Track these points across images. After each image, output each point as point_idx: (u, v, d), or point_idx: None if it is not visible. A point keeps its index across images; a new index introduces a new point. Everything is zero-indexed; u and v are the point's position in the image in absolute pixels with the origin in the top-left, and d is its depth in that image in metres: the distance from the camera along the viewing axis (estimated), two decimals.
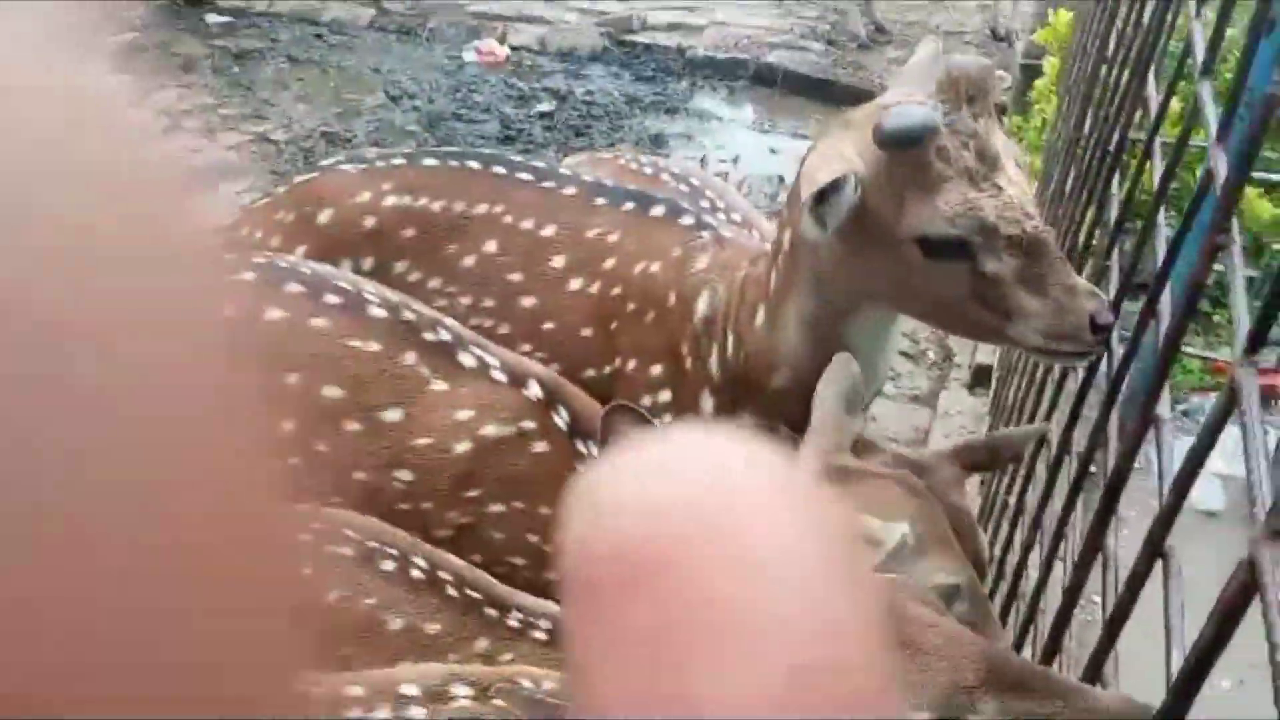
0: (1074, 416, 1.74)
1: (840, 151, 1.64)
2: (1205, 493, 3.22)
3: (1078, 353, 1.65)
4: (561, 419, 1.80)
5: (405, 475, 1.75)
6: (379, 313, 1.79)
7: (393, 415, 1.75)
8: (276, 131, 5.45)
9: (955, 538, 1.42)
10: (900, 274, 1.66)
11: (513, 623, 1.57)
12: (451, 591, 1.57)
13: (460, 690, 1.28)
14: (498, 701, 1.27)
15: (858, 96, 5.87)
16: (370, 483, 1.74)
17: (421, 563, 1.60)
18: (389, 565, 1.58)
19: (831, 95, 5.98)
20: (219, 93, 5.81)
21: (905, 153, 1.57)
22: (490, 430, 1.76)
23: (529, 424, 1.78)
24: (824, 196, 1.58)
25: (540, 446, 1.77)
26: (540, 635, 1.56)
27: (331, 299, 1.79)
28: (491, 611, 1.57)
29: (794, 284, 1.80)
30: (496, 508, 1.78)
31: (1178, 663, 0.89)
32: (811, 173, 1.61)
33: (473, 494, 1.77)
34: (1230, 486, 3.18)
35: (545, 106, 5.76)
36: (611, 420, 1.29)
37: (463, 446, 1.75)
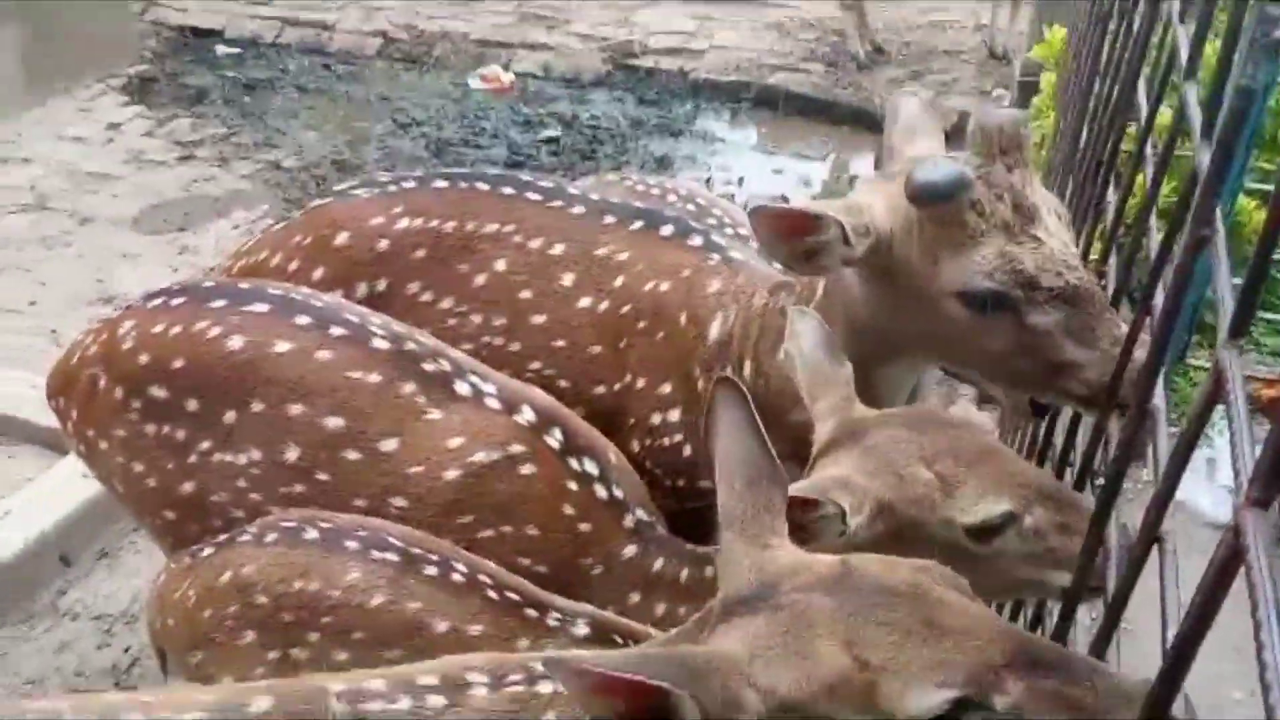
0: (1076, 419, 1.79)
1: (865, 204, 1.61)
2: (1217, 504, 3.23)
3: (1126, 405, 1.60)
4: (555, 439, 1.84)
5: (400, 502, 1.81)
6: (382, 345, 1.86)
7: (389, 445, 1.81)
8: (287, 159, 5.53)
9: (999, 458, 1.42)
10: (942, 328, 1.63)
11: (552, 622, 1.63)
12: (492, 594, 1.63)
13: (477, 678, 1.33)
14: (512, 689, 1.32)
15: (859, 116, 5.97)
16: (368, 509, 1.80)
17: (462, 567, 1.66)
18: (432, 570, 1.64)
19: (833, 115, 6.07)
20: (231, 122, 5.91)
21: (938, 208, 1.54)
22: (479, 456, 1.81)
23: (517, 448, 1.82)
24: (769, 220, 1.55)
25: (528, 469, 1.81)
26: (580, 632, 1.62)
27: (337, 331, 1.86)
28: (531, 612, 1.63)
29: (825, 317, 1.74)
30: (486, 533, 1.82)
31: (1174, 639, 0.93)
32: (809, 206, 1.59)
33: (464, 520, 1.81)
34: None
35: (551, 132, 5.84)
36: (717, 392, 1.26)
37: (452, 474, 1.80)
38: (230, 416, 1.83)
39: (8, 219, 4.93)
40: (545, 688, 1.33)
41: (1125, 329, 1.54)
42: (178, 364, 1.86)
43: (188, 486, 1.87)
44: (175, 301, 1.94)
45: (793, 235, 1.57)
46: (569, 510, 1.81)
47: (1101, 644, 1.17)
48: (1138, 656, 1.28)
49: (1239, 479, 0.78)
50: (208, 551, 1.76)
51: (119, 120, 5.89)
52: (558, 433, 1.85)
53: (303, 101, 6.18)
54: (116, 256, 4.66)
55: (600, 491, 1.83)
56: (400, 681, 1.32)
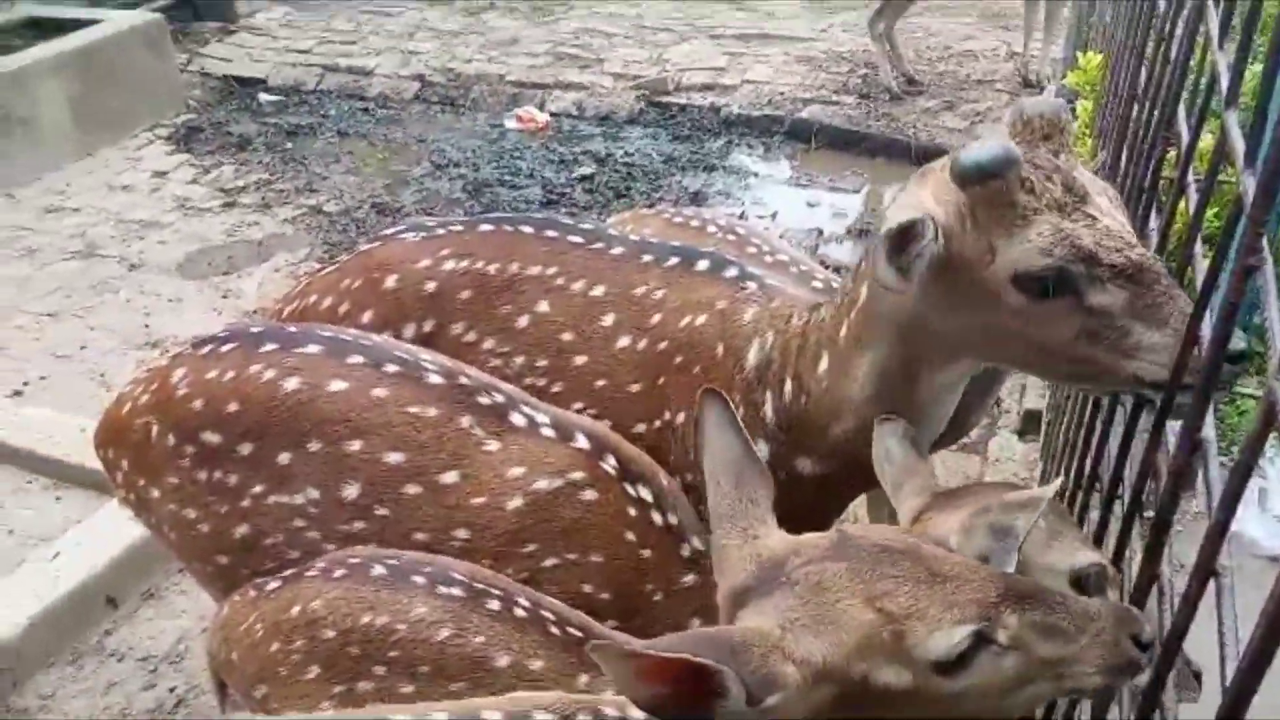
0: (1124, 452, 1.75)
1: (917, 200, 1.59)
2: (1270, 535, 3.15)
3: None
4: (610, 465, 1.86)
5: (462, 534, 1.82)
6: (436, 379, 1.88)
7: (449, 477, 1.82)
8: (329, 203, 5.63)
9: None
10: (1000, 321, 1.57)
11: None
12: (554, 629, 1.65)
13: (541, 717, 1.32)
14: None
15: (892, 147, 5.97)
16: (430, 543, 1.81)
17: (525, 602, 1.68)
18: (495, 605, 1.66)
19: (866, 147, 6.07)
20: (273, 168, 6.03)
21: (987, 187, 1.49)
22: (541, 484, 1.82)
23: (577, 474, 1.83)
24: (901, 242, 1.52)
25: (589, 495, 1.82)
26: None
27: (391, 369, 1.88)
28: None
29: (870, 336, 1.77)
30: (551, 561, 1.83)
31: (1232, 674, 0.91)
32: (888, 222, 1.55)
33: (528, 549, 1.82)
34: None
35: (586, 170, 5.90)
36: (703, 403, 1.31)
37: (515, 503, 1.81)
38: (285, 458, 1.84)
39: (59, 266, 5.06)
40: None
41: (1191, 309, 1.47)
42: (232, 408, 1.87)
43: (242, 529, 1.89)
44: (226, 348, 1.96)
45: (906, 245, 1.53)
46: (630, 536, 1.82)
47: (1155, 690, 1.14)
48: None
49: None
50: (274, 585, 1.78)
51: (165, 169, 6.04)
52: (612, 459, 1.86)
53: (343, 146, 6.30)
54: (163, 301, 4.76)
55: (656, 518, 1.85)
56: (464, 716, 1.31)
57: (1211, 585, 1.01)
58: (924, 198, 1.59)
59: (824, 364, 1.86)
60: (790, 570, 1.11)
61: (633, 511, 1.83)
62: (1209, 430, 1.15)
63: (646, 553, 1.82)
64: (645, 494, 1.86)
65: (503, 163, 6.03)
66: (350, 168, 6.06)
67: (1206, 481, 1.14)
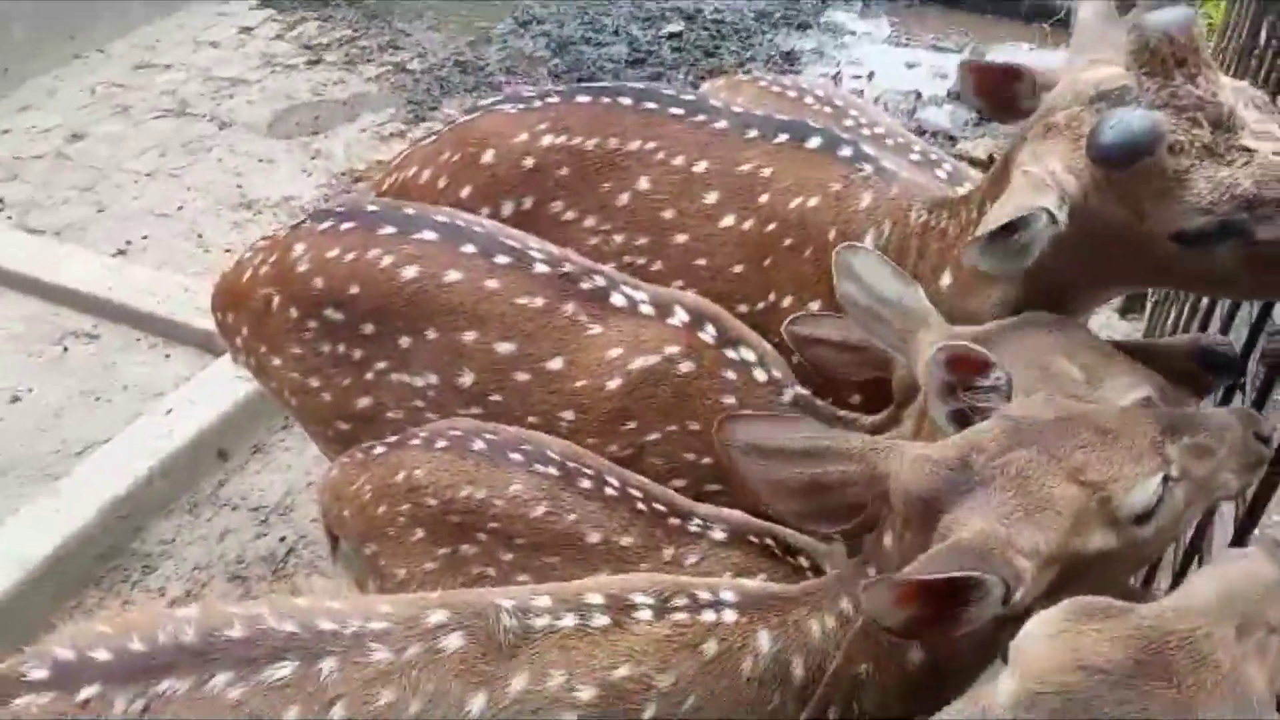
0: (1250, 344, 1.69)
1: (1046, 175, 1.48)
2: None
3: None
4: (708, 334, 1.88)
5: (569, 415, 1.88)
6: (543, 269, 1.91)
7: (555, 363, 1.88)
8: (412, 61, 5.55)
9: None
10: (1157, 265, 1.51)
11: (693, 528, 1.72)
12: (641, 506, 1.73)
13: (642, 600, 1.37)
14: (677, 615, 1.37)
15: (999, 3, 5.62)
16: (540, 425, 1.88)
17: (614, 480, 1.75)
18: (587, 484, 1.74)
19: (970, 3, 5.72)
20: (356, 24, 5.94)
21: (1131, 168, 1.41)
22: (638, 363, 1.86)
23: (673, 349, 1.86)
24: (1007, 233, 1.43)
25: (686, 366, 1.85)
26: (718, 536, 1.71)
27: (502, 259, 1.91)
28: (675, 520, 1.73)
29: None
30: (652, 435, 1.88)
31: None
32: (1005, 204, 1.47)
33: (629, 426, 1.87)
34: None
35: (674, 27, 5.69)
36: (726, 433, 1.39)
37: (614, 383, 1.86)
38: (406, 341, 1.90)
39: (153, 124, 5.12)
40: (708, 615, 1.37)
41: None
42: (353, 290, 1.93)
43: (364, 401, 1.97)
44: (345, 226, 1.99)
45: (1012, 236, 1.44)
46: (729, 400, 1.86)
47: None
48: None
49: None
50: (380, 450, 1.87)
51: (251, 24, 5.99)
52: (710, 328, 1.89)
53: (426, 1, 6.16)
54: (253, 161, 4.80)
55: (760, 375, 1.88)
56: (567, 599, 1.37)
57: None
58: (1053, 166, 1.49)
59: (946, 279, 1.81)
60: (980, 468, 1.14)
61: (731, 375, 1.87)
62: None
63: (748, 411, 1.84)
64: (747, 355, 1.89)
65: (587, 19, 5.85)
66: (433, 24, 5.94)
67: None
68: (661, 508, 1.74)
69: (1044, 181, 1.47)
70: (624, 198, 2.06)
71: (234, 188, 4.62)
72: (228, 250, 3.99)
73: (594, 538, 1.70)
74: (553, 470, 1.74)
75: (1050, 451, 1.13)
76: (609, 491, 1.73)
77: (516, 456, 1.76)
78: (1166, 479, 1.14)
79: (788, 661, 1.36)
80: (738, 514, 1.74)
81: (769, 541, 1.71)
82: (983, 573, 1.01)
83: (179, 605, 1.38)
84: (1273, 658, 0.93)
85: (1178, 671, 0.87)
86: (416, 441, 1.83)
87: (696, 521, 1.73)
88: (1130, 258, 1.53)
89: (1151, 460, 1.14)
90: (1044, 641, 0.91)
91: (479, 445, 1.78)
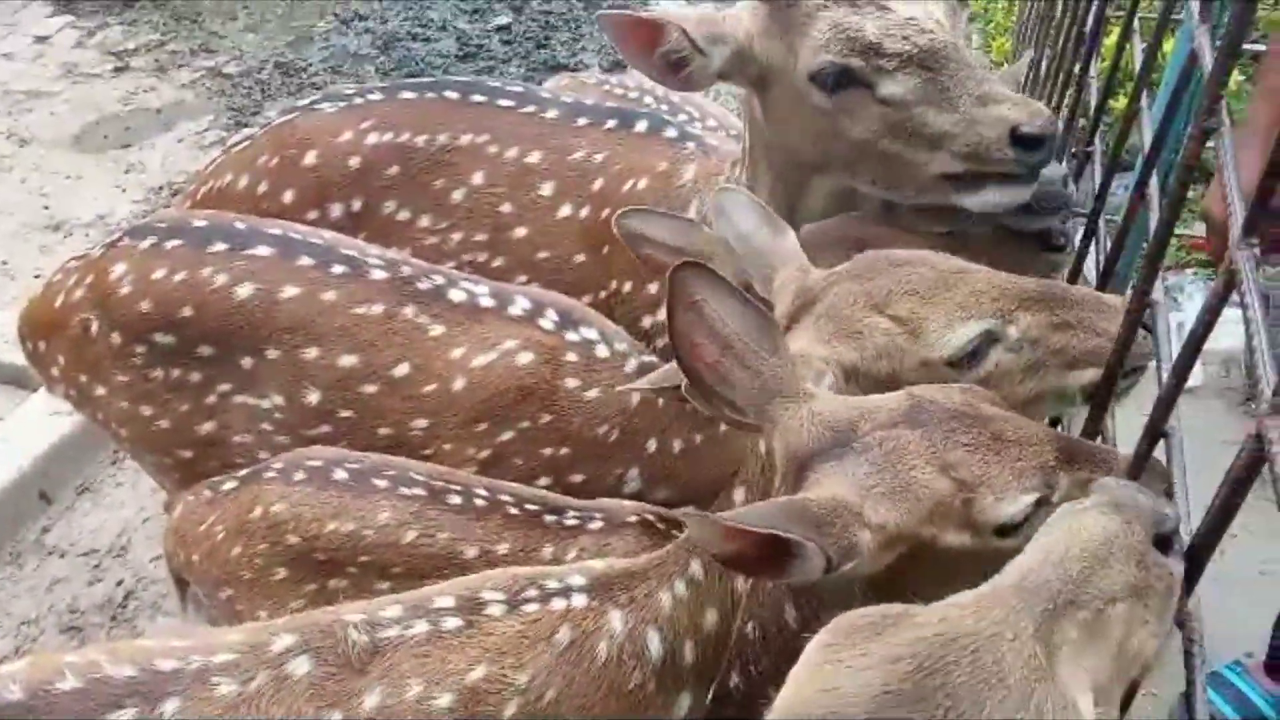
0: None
1: (726, 13, 1.66)
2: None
3: (1003, 175, 1.48)
4: (549, 321, 1.85)
5: (421, 423, 1.82)
6: (379, 274, 1.84)
7: (401, 370, 1.81)
8: (229, 65, 5.29)
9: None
10: (813, 124, 1.61)
11: (570, 522, 1.68)
12: (513, 510, 1.68)
13: (492, 597, 1.34)
14: (528, 607, 1.34)
15: None
16: (394, 435, 1.81)
17: (483, 490, 1.70)
18: (455, 499, 1.67)
19: None
20: (164, 27, 5.61)
21: None
22: (477, 360, 1.81)
23: (510, 342, 1.82)
24: (617, 27, 1.62)
25: (525, 358, 1.81)
26: (595, 526, 1.68)
27: (337, 269, 1.84)
28: (550, 518, 1.68)
29: (758, 170, 1.81)
30: (506, 435, 1.83)
31: (1186, 534, 0.95)
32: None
33: (482, 427, 1.82)
34: (1207, 361, 3.25)
35: (502, 19, 5.62)
36: (680, 279, 1.21)
37: (459, 384, 1.81)
38: (248, 362, 1.81)
39: None
40: (558, 604, 1.35)
41: (1002, 88, 1.51)
42: (186, 312, 1.82)
43: (208, 427, 1.86)
44: (171, 244, 1.87)
45: (645, 45, 1.60)
46: (572, 383, 1.82)
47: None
48: None
49: (1260, 385, 0.78)
50: (230, 485, 1.75)
51: (46, 33, 5.58)
52: (551, 314, 1.86)
53: (239, 1, 5.88)
54: (60, 179, 4.48)
55: (602, 351, 1.85)
56: (416, 606, 1.33)
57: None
58: (740, 13, 1.65)
59: None
60: (862, 435, 1.13)
61: (573, 357, 1.83)
62: (1158, 293, 1.17)
63: (593, 394, 1.82)
64: (589, 334, 1.86)
65: (412, 14, 5.70)
66: (248, 24, 5.67)
67: (1157, 346, 1.17)
68: (535, 508, 1.70)
69: (715, 17, 1.64)
70: (458, 194, 2.01)
71: (40, 209, 4.29)
72: (37, 276, 3.71)
73: (471, 552, 1.64)
74: (419, 491, 1.68)
75: (933, 439, 1.11)
76: (479, 503, 1.68)
77: (381, 483, 1.68)
78: (1042, 502, 1.11)
79: (643, 637, 1.35)
80: (612, 501, 1.73)
81: (649, 517, 1.68)
82: (802, 538, 1.00)
83: (7, 662, 1.27)
84: (1116, 632, 0.84)
85: (953, 694, 0.75)
86: (272, 474, 1.72)
87: (572, 515, 1.70)
88: (800, 116, 1.63)
89: (1032, 480, 1.11)
90: (803, 671, 0.81)
91: (340, 475, 1.69)
